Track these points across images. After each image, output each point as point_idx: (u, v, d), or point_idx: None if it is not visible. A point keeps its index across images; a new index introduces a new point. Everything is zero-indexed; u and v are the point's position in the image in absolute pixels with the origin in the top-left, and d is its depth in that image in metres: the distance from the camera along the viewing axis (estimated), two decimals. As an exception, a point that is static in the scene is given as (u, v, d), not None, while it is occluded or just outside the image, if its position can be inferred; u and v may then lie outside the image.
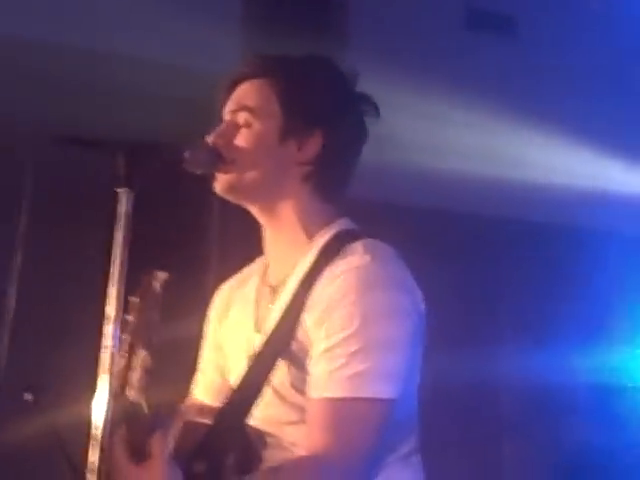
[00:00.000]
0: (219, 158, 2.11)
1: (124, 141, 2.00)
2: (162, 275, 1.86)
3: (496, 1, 5.27)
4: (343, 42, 4.80)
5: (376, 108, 2.19)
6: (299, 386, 2.04)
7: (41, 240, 3.90)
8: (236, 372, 2.17)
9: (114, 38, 4.12)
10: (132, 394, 1.82)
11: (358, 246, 2.06)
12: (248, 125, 2.14)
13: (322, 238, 2.13)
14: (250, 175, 2.12)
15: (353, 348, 1.95)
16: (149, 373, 1.81)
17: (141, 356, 1.82)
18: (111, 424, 1.89)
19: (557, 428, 5.08)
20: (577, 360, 4.97)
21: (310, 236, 2.15)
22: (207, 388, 2.35)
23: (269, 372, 2.06)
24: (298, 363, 2.03)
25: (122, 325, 1.89)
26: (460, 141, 5.04)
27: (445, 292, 4.76)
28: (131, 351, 1.83)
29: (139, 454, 1.85)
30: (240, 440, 2.06)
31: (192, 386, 2.39)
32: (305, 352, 2.03)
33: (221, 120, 2.20)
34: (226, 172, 2.13)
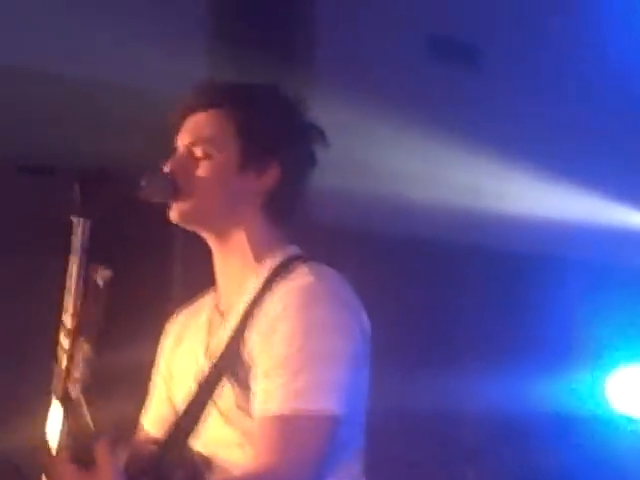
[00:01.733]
0: (176, 188, 2.12)
1: (79, 169, 2.00)
2: (105, 272, 1.87)
3: (459, 31, 5.31)
4: (310, 71, 4.83)
5: (324, 136, 2.22)
6: (244, 407, 2.04)
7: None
8: (182, 400, 2.17)
9: (73, 61, 4.12)
10: (73, 391, 1.82)
11: (304, 268, 2.09)
12: (207, 156, 2.15)
13: (271, 262, 2.15)
14: (208, 205, 2.14)
15: (295, 366, 1.96)
16: (90, 366, 1.82)
17: (83, 348, 1.83)
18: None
19: (518, 454, 5.09)
20: (538, 387, 4.98)
21: (259, 260, 2.16)
22: (155, 420, 2.33)
23: (213, 392, 2.06)
24: (243, 383, 2.04)
25: (61, 327, 1.90)
26: (419, 168, 5.07)
27: (404, 317, 4.79)
28: (72, 349, 1.82)
29: (83, 461, 1.83)
30: (185, 462, 2.07)
31: (142, 416, 2.38)
32: (249, 371, 2.04)
33: (174, 147, 2.21)
34: (182, 201, 2.14)
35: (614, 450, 4.93)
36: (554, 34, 5.30)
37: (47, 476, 1.93)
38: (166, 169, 2.15)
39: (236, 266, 2.18)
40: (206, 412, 2.07)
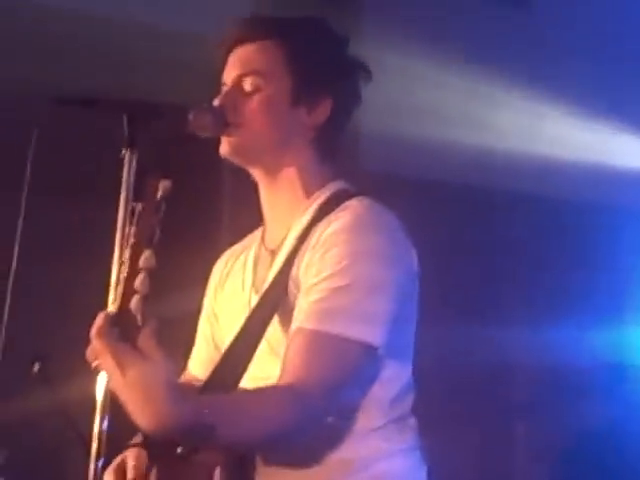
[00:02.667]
0: (225, 121, 2.07)
1: (127, 101, 1.96)
2: (166, 183, 1.84)
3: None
4: (359, 10, 4.76)
5: (369, 72, 2.18)
6: None
7: (45, 206, 3.87)
8: (231, 337, 2.12)
9: (116, 2, 4.09)
10: (135, 303, 1.78)
11: (354, 201, 2.06)
12: (258, 89, 2.10)
13: (319, 197, 2.13)
14: (259, 139, 2.11)
15: (337, 284, 1.94)
16: (152, 274, 1.78)
17: (145, 255, 1.79)
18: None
19: (569, 407, 5.05)
20: (589, 338, 4.93)
21: (308, 195, 2.14)
22: (201, 362, 2.32)
23: (264, 327, 2.03)
24: (292, 315, 2.00)
25: (123, 237, 1.88)
26: (473, 113, 5.00)
27: (454, 267, 4.74)
28: (134, 256, 1.79)
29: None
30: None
31: (189, 360, 2.36)
32: (295, 302, 2.00)
33: (223, 81, 2.16)
34: (233, 136, 2.09)
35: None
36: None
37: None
38: (215, 103, 2.10)
39: (285, 201, 2.16)
40: (256, 346, 2.03)
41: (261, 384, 2.00)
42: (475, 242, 5.01)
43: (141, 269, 1.77)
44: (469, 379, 4.74)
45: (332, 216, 2.03)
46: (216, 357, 2.22)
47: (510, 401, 5.07)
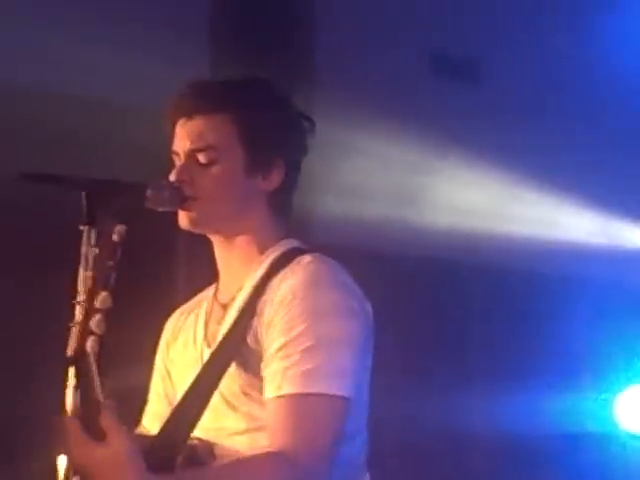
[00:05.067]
0: (182, 196, 2.11)
1: (85, 178, 2.00)
2: (121, 227, 1.90)
3: (460, 46, 5.30)
4: (311, 90, 4.81)
5: (313, 123, 2.23)
6: (250, 393, 2.05)
7: (4, 282, 3.87)
8: (182, 392, 2.15)
9: (76, 79, 4.11)
10: (90, 344, 1.81)
11: (306, 256, 2.11)
12: (212, 163, 2.14)
13: (273, 253, 2.17)
14: (216, 211, 2.15)
15: (305, 345, 1.97)
16: (108, 315, 1.81)
17: (101, 296, 1.84)
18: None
19: (527, 475, 5.05)
20: (547, 407, 4.96)
21: (262, 252, 2.18)
22: (154, 417, 2.32)
23: (219, 379, 2.06)
24: (249, 368, 2.05)
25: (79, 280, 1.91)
26: (424, 187, 5.06)
27: (411, 337, 4.76)
28: (90, 298, 1.84)
29: (94, 429, 1.83)
30: (185, 451, 2.05)
31: (144, 416, 2.37)
32: (256, 356, 2.04)
33: (174, 151, 2.20)
34: (191, 209, 2.13)
35: (623, 469, 4.90)
36: (555, 49, 5.29)
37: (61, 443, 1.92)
38: (171, 177, 2.14)
39: (239, 258, 2.20)
40: (209, 398, 2.06)
41: (213, 435, 2.06)
42: (433, 313, 5.05)
43: (97, 310, 1.81)
44: (425, 447, 4.74)
45: (287, 270, 2.08)
46: (167, 412, 2.23)
47: (468, 470, 5.07)
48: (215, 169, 2.14)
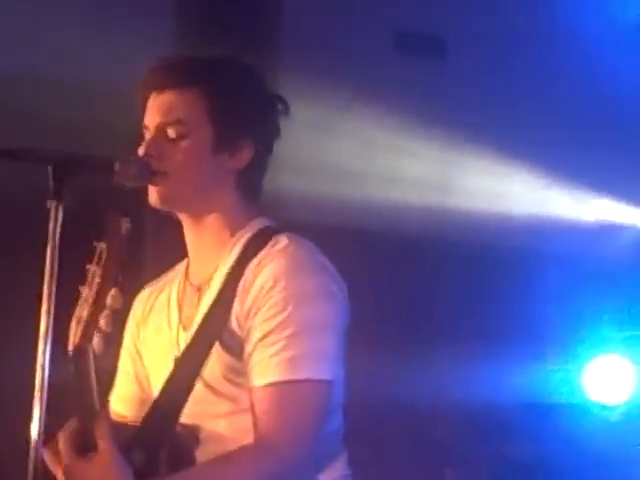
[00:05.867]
0: (151, 171, 2.11)
1: (54, 152, 1.99)
2: (126, 221, 1.91)
3: (425, 24, 5.31)
4: (276, 67, 4.81)
5: (287, 106, 2.24)
6: (231, 377, 2.07)
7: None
8: (160, 375, 2.16)
9: (42, 59, 4.09)
10: (98, 343, 1.81)
11: (282, 237, 2.12)
12: (181, 137, 2.14)
13: (245, 234, 2.17)
14: (184, 187, 2.15)
15: (288, 331, 2.00)
16: (117, 315, 1.82)
17: (112, 294, 1.83)
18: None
19: (495, 448, 5.10)
20: (514, 379, 5.00)
21: (233, 233, 2.19)
22: (125, 399, 2.32)
23: (201, 365, 2.07)
24: (231, 353, 2.06)
25: (85, 275, 1.90)
26: (386, 164, 5.07)
27: (378, 310, 4.78)
28: (99, 295, 1.82)
29: (84, 443, 1.87)
30: (170, 437, 2.07)
31: (112, 399, 2.36)
32: (238, 341, 2.05)
33: (144, 126, 2.20)
34: (158, 184, 2.13)
35: (590, 438, 4.96)
36: (521, 26, 5.31)
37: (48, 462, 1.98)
38: (140, 151, 2.14)
39: (210, 240, 2.20)
40: (192, 385, 2.07)
41: (199, 421, 2.07)
42: (400, 285, 5.07)
43: (106, 307, 1.80)
44: (393, 418, 4.77)
45: (264, 253, 2.09)
46: (139, 394, 2.27)
47: (436, 441, 5.11)
48: (184, 144, 2.14)
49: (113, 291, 1.83)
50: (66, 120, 4.06)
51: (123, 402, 2.31)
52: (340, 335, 2.08)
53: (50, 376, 1.88)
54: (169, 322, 2.22)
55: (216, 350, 2.07)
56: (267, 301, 2.02)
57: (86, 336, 1.83)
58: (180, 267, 2.31)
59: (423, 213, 5.06)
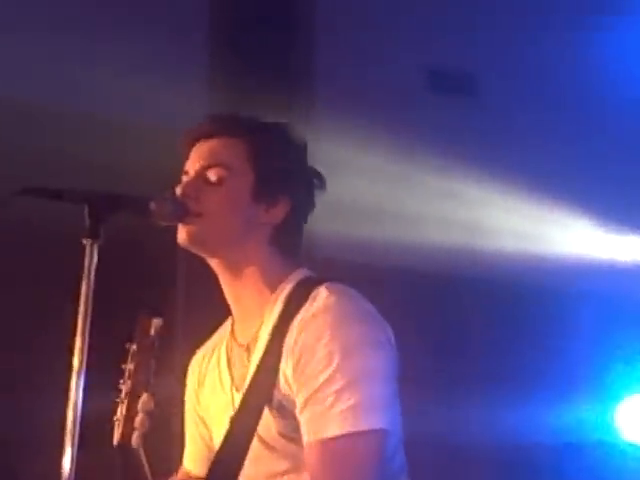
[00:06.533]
0: (185, 210, 2.13)
1: (89, 192, 2.02)
2: (157, 321, 1.92)
3: (458, 62, 5.33)
4: (309, 107, 4.85)
5: (324, 182, 2.28)
6: (288, 434, 2.08)
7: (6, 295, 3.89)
8: (220, 435, 2.18)
9: (74, 94, 4.13)
10: (135, 439, 1.84)
11: (322, 289, 2.10)
12: (221, 181, 2.17)
13: (285, 289, 2.17)
14: (217, 230, 2.16)
15: (339, 385, 1.99)
16: (151, 416, 1.84)
17: (143, 399, 1.86)
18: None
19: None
20: (547, 419, 4.97)
21: (273, 289, 2.19)
22: (194, 458, 2.37)
23: (255, 425, 2.08)
24: (284, 412, 2.07)
25: (121, 374, 1.94)
26: (424, 204, 5.07)
27: (408, 350, 4.77)
28: (132, 397, 1.85)
29: None
30: None
31: (183, 458, 2.42)
32: (289, 400, 2.06)
33: (185, 170, 2.23)
34: (192, 224, 2.14)
35: (623, 477, 4.92)
36: (553, 65, 5.33)
37: None
38: (177, 191, 2.16)
39: (250, 297, 2.21)
40: (248, 444, 2.08)
41: (254, 478, 2.10)
42: (432, 327, 5.07)
43: (139, 411, 1.83)
44: (422, 458, 4.74)
45: (307, 307, 2.08)
46: (207, 454, 2.29)
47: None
48: (223, 188, 2.16)
49: (145, 396, 1.86)
50: (96, 157, 4.10)
51: (195, 462, 2.37)
52: (390, 382, 2.08)
53: (82, 411, 1.90)
54: (222, 384, 2.24)
55: (269, 410, 2.08)
56: (313, 357, 2.02)
57: (125, 435, 1.86)
58: (225, 327, 2.33)
59: (455, 252, 5.05)
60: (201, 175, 2.18)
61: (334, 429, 1.97)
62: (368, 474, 1.99)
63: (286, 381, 2.06)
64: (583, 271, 5.35)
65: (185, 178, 2.21)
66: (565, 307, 5.23)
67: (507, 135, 5.24)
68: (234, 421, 2.12)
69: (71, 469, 1.89)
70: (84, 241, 1.98)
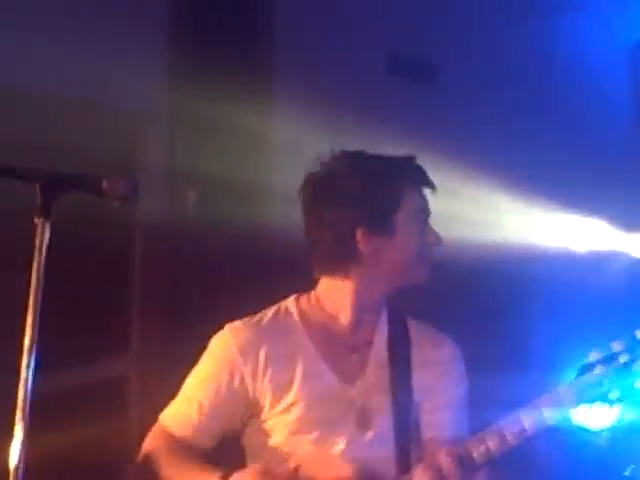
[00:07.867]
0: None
1: (42, 170, 2.01)
2: None
3: (418, 48, 5.34)
4: (268, 88, 4.84)
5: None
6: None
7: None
8: (328, 424, 2.42)
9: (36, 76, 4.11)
10: None
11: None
12: None
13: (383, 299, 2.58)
14: None
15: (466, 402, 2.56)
16: None
17: None
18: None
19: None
20: (498, 401, 5.00)
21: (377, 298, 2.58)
22: (212, 435, 2.50)
23: (409, 423, 2.47)
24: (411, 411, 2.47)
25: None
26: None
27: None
28: None
29: None
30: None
31: (166, 415, 2.53)
32: (414, 402, 2.47)
33: (426, 211, 2.72)
34: None
35: (574, 461, 4.98)
36: (510, 49, 5.36)
37: None
38: (435, 239, 2.70)
39: (360, 306, 2.52)
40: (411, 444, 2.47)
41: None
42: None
43: None
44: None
45: (420, 328, 2.59)
46: (217, 429, 2.48)
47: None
48: None
49: None
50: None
51: (210, 438, 2.50)
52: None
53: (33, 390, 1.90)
54: (319, 375, 2.46)
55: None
56: (447, 376, 2.54)
57: None
58: (290, 315, 2.54)
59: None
60: None
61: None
62: None
63: (419, 388, 2.53)
64: (539, 257, 5.38)
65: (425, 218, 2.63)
66: (525, 294, 5.28)
67: (465, 119, 5.26)
68: (396, 422, 2.47)
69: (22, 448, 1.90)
70: (35, 219, 1.98)
